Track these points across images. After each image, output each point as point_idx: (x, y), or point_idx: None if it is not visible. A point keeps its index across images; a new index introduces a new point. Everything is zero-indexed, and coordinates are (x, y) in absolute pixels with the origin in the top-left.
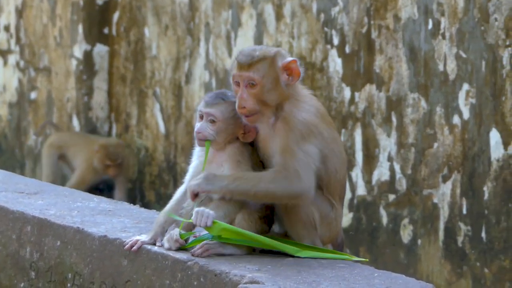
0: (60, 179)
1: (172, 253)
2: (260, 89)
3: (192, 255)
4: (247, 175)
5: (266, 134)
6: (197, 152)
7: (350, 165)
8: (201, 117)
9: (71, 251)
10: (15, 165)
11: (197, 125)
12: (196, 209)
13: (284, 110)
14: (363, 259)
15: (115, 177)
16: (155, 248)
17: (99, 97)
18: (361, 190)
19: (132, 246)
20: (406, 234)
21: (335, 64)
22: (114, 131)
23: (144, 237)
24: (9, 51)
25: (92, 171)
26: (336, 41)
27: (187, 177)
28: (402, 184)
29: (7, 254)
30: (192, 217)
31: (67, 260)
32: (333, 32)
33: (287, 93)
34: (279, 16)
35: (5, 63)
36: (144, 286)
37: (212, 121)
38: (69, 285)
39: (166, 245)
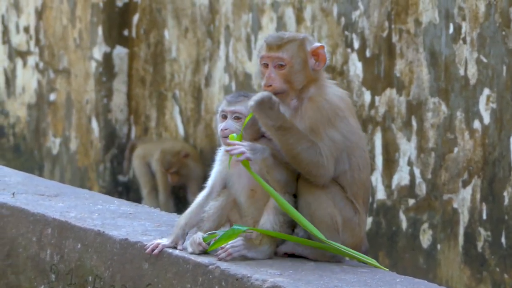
0: (155, 189)
1: (193, 257)
2: (288, 69)
3: (218, 258)
4: (298, 130)
5: (289, 117)
6: (220, 157)
7: (370, 169)
8: (224, 117)
9: (91, 254)
10: (33, 167)
11: (221, 124)
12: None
13: (309, 92)
14: (385, 269)
15: (175, 184)
16: (176, 252)
17: (119, 99)
18: (380, 194)
19: (153, 250)
20: (425, 239)
21: (356, 68)
22: (133, 133)
23: (165, 241)
24: (28, 53)
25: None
26: (356, 45)
27: (210, 182)
28: (422, 189)
29: (27, 257)
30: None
31: (87, 263)
32: (354, 36)
33: (313, 77)
34: (299, 20)
35: (25, 64)
36: None
37: (238, 118)
38: None
39: (190, 249)
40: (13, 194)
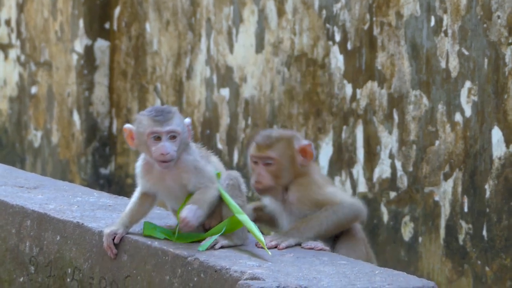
0: None
1: (172, 249)
2: (277, 167)
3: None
4: (312, 223)
5: (276, 207)
6: (144, 170)
7: (351, 162)
8: (158, 139)
9: (70, 246)
10: (15, 160)
11: (158, 148)
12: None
13: (296, 182)
14: (267, 250)
15: None
16: (156, 243)
17: (100, 92)
18: (362, 187)
19: (111, 248)
20: (407, 232)
21: (337, 60)
22: (114, 126)
23: (113, 230)
24: (10, 45)
25: None
26: (338, 37)
27: (139, 191)
28: (403, 182)
29: (7, 249)
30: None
31: (66, 255)
32: (335, 28)
33: (301, 171)
34: (280, 12)
35: (6, 57)
36: (144, 281)
37: (173, 137)
38: (68, 280)
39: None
40: None
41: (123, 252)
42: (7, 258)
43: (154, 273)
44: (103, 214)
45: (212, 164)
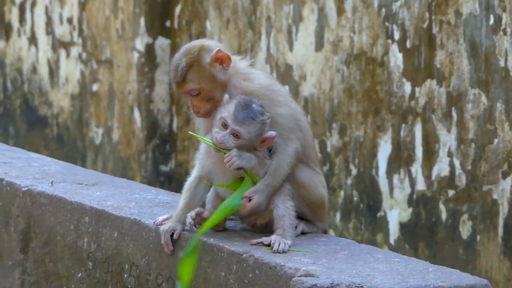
0: None
1: (227, 245)
2: (204, 92)
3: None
4: (273, 172)
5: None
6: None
7: (410, 160)
8: (225, 126)
9: (128, 242)
10: (76, 157)
11: (219, 132)
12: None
13: (236, 88)
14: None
15: None
16: (211, 240)
17: (161, 90)
18: (420, 185)
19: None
20: (465, 230)
21: (396, 59)
22: (175, 124)
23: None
24: (71, 43)
25: None
26: (397, 36)
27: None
28: (461, 180)
29: (65, 245)
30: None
31: (124, 251)
32: (394, 27)
33: (227, 77)
34: (340, 11)
35: (68, 55)
36: (200, 277)
37: (236, 136)
38: (125, 276)
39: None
40: (52, 183)
41: (180, 248)
42: (66, 254)
43: (209, 270)
44: (161, 211)
45: None
